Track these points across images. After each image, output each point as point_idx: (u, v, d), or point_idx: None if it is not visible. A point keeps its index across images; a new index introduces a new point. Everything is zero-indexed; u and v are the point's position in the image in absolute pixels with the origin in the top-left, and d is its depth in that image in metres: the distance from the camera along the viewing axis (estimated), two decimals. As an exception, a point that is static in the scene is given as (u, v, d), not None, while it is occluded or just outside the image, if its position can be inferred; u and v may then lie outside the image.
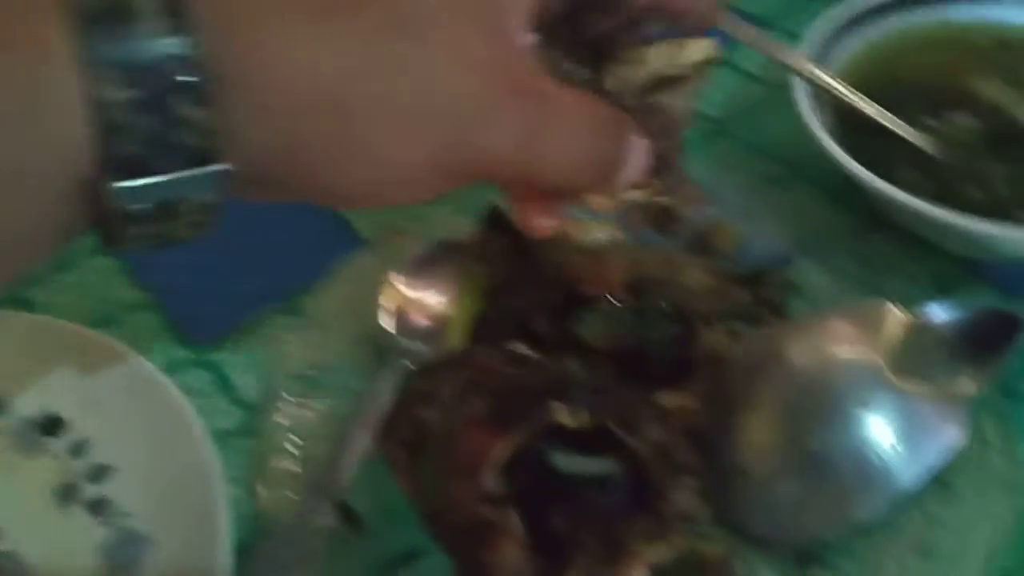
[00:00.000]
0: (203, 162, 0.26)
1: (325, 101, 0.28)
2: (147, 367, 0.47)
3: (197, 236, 0.28)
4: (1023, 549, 0.42)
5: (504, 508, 0.38)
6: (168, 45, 0.25)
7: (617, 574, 0.38)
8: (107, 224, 0.26)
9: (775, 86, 0.63)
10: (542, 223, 0.35)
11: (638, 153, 0.33)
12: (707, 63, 0.38)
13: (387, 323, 0.48)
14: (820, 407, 0.42)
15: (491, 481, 0.38)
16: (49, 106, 0.24)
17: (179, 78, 0.25)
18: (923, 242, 0.51)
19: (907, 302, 0.44)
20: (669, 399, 0.43)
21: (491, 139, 0.30)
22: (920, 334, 0.44)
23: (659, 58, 0.37)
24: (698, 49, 0.38)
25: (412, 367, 0.47)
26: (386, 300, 0.49)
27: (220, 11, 0.26)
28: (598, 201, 0.38)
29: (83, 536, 0.43)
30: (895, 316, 0.44)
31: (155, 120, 0.25)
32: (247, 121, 0.27)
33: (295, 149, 0.28)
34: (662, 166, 0.36)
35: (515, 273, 0.50)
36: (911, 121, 0.53)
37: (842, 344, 0.43)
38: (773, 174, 0.58)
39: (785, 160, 0.58)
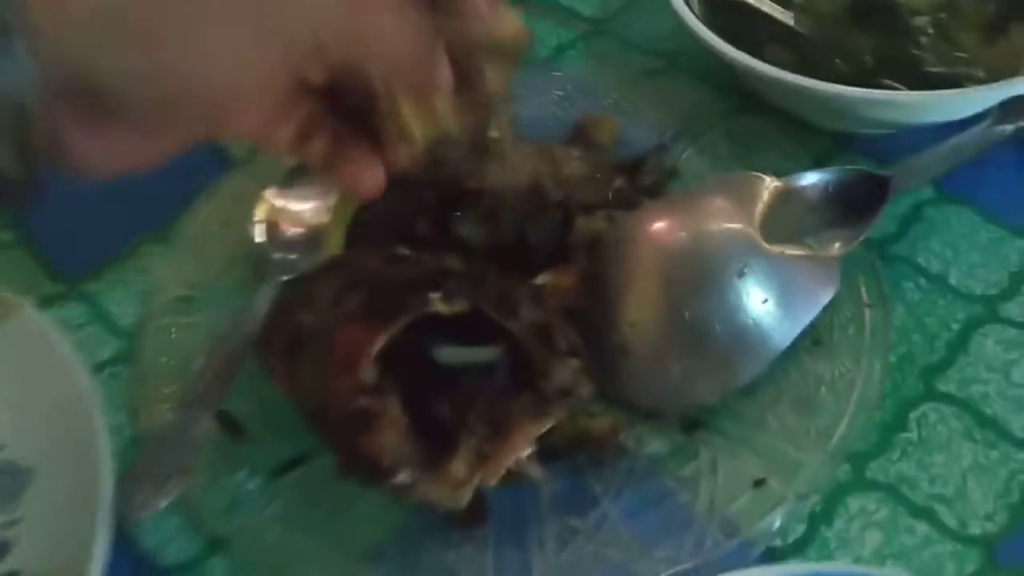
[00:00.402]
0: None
1: None
2: (14, 302, 0.45)
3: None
4: (896, 404, 0.43)
5: (383, 397, 0.38)
6: None
7: (503, 450, 0.38)
8: None
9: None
10: (369, 177, 0.37)
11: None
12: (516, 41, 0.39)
13: (261, 236, 0.47)
14: (695, 278, 0.42)
15: (368, 373, 0.38)
16: None
17: None
18: (797, 120, 0.52)
19: (783, 176, 0.45)
20: (545, 279, 0.43)
21: (311, 17, 0.31)
22: (792, 200, 0.44)
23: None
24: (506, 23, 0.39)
25: (287, 279, 0.46)
26: (259, 214, 0.47)
27: None
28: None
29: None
30: (766, 185, 0.44)
31: None
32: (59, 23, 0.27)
33: (111, 53, 0.29)
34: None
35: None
36: (778, 2, 0.53)
37: (715, 215, 0.43)
38: (649, 67, 0.58)
39: (660, 53, 0.58)
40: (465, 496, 0.37)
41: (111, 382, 0.45)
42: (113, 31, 0.29)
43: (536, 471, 0.38)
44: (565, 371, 0.39)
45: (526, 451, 0.38)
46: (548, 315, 0.40)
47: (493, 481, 0.37)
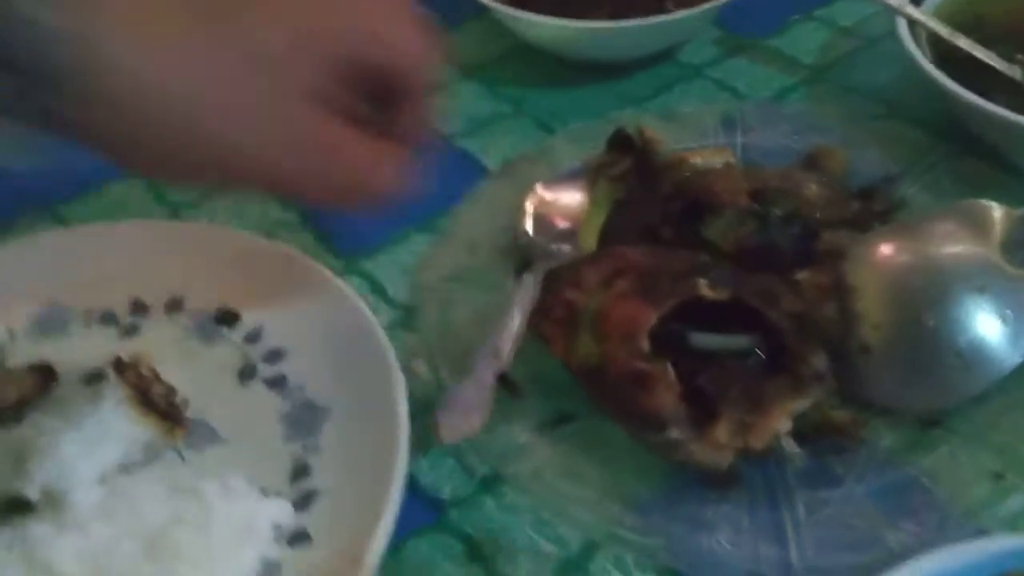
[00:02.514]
0: None
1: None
2: (308, 262, 0.52)
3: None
4: None
5: (659, 362, 0.42)
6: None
7: (764, 422, 0.42)
8: None
9: (866, 39, 0.69)
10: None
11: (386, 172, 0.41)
12: None
13: (530, 226, 0.53)
14: (939, 289, 0.46)
15: (645, 343, 0.43)
16: None
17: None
18: (1016, 165, 0.55)
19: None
20: (803, 276, 0.47)
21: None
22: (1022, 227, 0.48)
23: None
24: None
25: (553, 266, 0.51)
26: (530, 207, 0.54)
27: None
28: None
29: (264, 407, 0.48)
30: (998, 212, 0.48)
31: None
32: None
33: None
34: None
35: (639, 188, 0.55)
36: (1002, 57, 0.57)
37: (953, 236, 0.47)
38: (871, 111, 0.62)
39: (881, 100, 0.63)
40: (727, 458, 0.42)
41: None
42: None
43: (792, 446, 0.42)
44: (821, 358, 0.43)
45: (785, 427, 0.42)
46: (807, 307, 0.44)
47: (758, 445, 0.41)
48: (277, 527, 0.43)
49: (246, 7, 0.37)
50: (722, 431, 0.42)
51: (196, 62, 0.35)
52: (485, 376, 0.45)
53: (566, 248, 0.52)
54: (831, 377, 0.44)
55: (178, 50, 0.35)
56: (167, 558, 0.40)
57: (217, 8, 0.36)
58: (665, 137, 0.57)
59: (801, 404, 0.42)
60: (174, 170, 0.38)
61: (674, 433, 0.41)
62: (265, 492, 0.44)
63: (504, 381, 0.47)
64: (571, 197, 0.54)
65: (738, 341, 0.45)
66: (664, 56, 0.69)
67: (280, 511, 0.43)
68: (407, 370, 0.49)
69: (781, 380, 0.43)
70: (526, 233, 0.53)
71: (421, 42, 0.41)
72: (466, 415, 0.44)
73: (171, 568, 0.39)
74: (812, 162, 0.56)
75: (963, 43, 0.57)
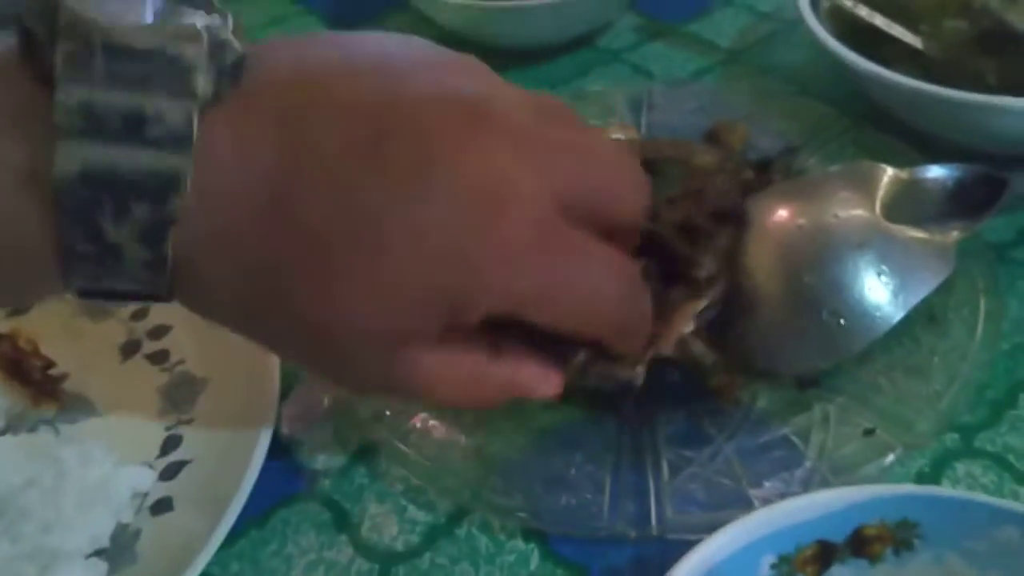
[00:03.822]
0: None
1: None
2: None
3: None
4: (1007, 384, 0.45)
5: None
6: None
7: (668, 329, 0.41)
8: None
9: (784, 22, 0.68)
10: (543, 384, 0.37)
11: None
12: None
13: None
14: (816, 246, 0.45)
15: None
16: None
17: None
18: (923, 135, 0.55)
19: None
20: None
21: (509, 283, 0.31)
22: (911, 191, 0.47)
23: None
24: None
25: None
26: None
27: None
28: None
29: (144, 381, 0.48)
30: (888, 174, 0.47)
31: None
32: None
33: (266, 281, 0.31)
34: None
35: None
36: (907, 28, 0.57)
37: (837, 195, 0.46)
38: (779, 90, 0.62)
39: (792, 80, 0.63)
40: (641, 372, 0.41)
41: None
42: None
43: (700, 346, 0.42)
44: (711, 259, 0.43)
45: (688, 328, 0.42)
46: (687, 214, 0.44)
47: (667, 351, 0.41)
48: (139, 495, 0.42)
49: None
50: None
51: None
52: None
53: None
54: (724, 279, 0.43)
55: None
56: (12, 520, 0.39)
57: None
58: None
59: (699, 305, 0.42)
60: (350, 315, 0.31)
61: (581, 356, 0.40)
62: (129, 461, 0.43)
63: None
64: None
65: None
66: (584, 42, 0.69)
67: (141, 479, 0.42)
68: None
69: (678, 289, 0.42)
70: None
71: (645, 197, 0.38)
72: (313, 405, 0.43)
73: (14, 529, 0.39)
74: (713, 136, 0.56)
75: (863, 12, 0.57)
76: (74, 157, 0.27)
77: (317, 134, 0.30)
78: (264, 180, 0.29)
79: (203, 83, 0.28)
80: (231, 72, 0.29)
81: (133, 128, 0.27)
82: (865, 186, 0.47)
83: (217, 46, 0.29)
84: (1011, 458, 0.42)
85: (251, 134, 0.30)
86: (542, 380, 0.37)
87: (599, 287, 0.34)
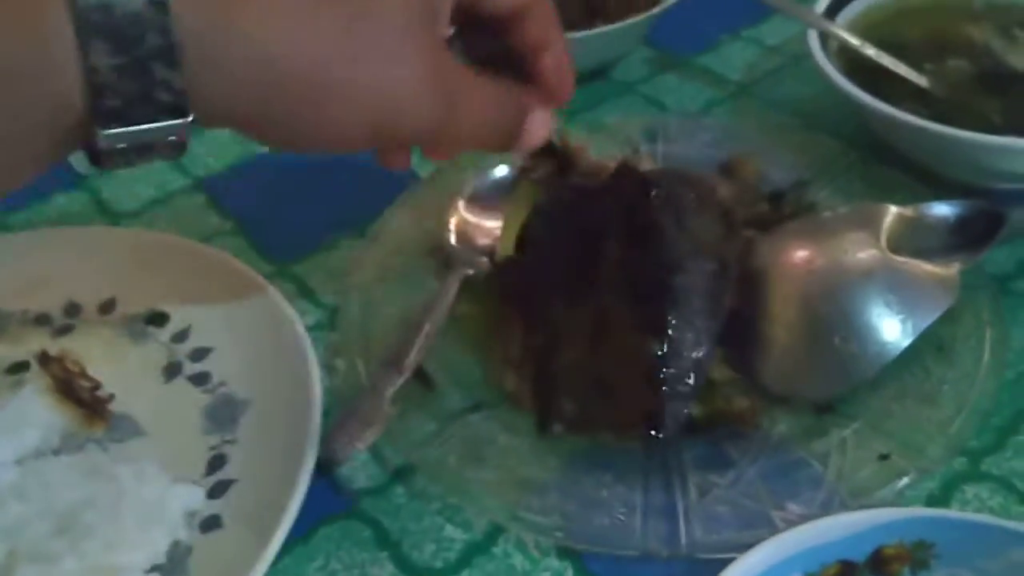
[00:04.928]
0: (175, 113, 0.32)
1: (293, 81, 0.33)
2: (238, 266, 0.53)
3: (168, 160, 0.35)
4: (1012, 411, 0.47)
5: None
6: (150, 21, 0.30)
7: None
8: (93, 154, 0.33)
9: (791, 56, 0.71)
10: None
11: (539, 121, 0.41)
12: None
13: (453, 239, 0.56)
14: (827, 280, 0.47)
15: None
16: (50, 70, 0.30)
17: (156, 43, 0.30)
18: (929, 172, 0.57)
19: (909, 208, 0.50)
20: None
21: (414, 123, 0.36)
22: (915, 225, 0.50)
23: None
24: None
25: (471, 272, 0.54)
26: (452, 223, 0.56)
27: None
28: None
29: (187, 402, 0.50)
30: (892, 212, 0.50)
31: (136, 82, 0.31)
32: (218, 87, 0.32)
33: (257, 114, 0.34)
34: None
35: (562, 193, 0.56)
36: (912, 67, 0.60)
37: (846, 233, 0.49)
38: (789, 123, 0.65)
39: (800, 113, 0.66)
40: None
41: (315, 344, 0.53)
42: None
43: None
44: None
45: None
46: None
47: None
48: (190, 513, 0.44)
49: None
50: None
51: (316, 18, 0.34)
52: (383, 388, 0.47)
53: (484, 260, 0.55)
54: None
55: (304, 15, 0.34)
56: (77, 537, 0.41)
57: None
58: (589, 145, 0.59)
59: None
60: (320, 138, 0.36)
61: None
62: (180, 480, 0.45)
63: (419, 374, 0.48)
64: (492, 213, 0.57)
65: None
66: (598, 75, 0.71)
67: (192, 497, 0.44)
68: (329, 367, 0.51)
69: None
70: (450, 244, 0.55)
71: None
72: (360, 429, 0.45)
73: (81, 546, 0.40)
74: (727, 169, 0.58)
75: (871, 52, 0.59)
76: None
77: None
78: None
79: None
80: None
81: None
82: (871, 223, 0.50)
83: None
84: (1015, 481, 0.45)
85: None
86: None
87: (484, 108, 0.39)
